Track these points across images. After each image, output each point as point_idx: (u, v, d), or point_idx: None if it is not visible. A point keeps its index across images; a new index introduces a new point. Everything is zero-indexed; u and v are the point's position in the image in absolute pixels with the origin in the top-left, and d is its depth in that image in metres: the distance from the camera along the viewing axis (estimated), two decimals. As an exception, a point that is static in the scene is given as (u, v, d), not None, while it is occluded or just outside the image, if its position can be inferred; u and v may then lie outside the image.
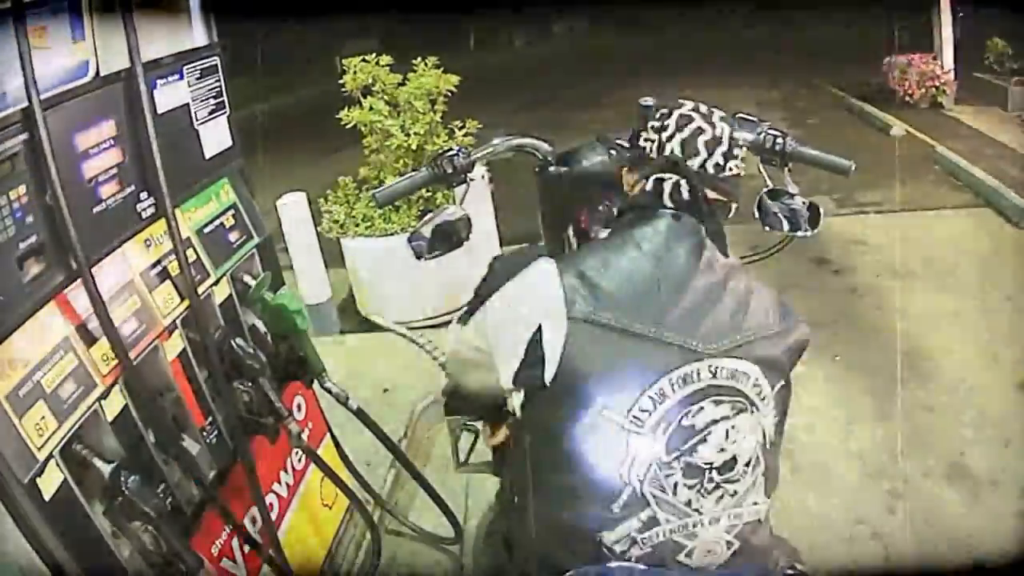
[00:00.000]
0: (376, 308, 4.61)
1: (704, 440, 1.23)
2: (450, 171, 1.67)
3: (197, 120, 1.98)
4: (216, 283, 1.96)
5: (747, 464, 1.27)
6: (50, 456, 1.45)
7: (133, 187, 1.75)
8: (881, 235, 5.38)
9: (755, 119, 1.74)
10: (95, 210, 1.65)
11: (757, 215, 1.70)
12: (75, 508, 1.50)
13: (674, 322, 1.24)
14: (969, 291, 4.46)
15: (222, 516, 1.89)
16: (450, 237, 1.65)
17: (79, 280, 1.55)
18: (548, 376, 1.23)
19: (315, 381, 2.24)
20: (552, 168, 1.79)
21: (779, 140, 1.69)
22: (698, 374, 1.24)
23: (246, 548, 1.98)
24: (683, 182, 1.34)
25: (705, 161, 1.35)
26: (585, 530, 1.24)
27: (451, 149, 1.69)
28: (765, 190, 1.71)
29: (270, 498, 2.13)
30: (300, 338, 2.13)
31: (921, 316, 4.24)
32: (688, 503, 1.24)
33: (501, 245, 4.67)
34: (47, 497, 1.43)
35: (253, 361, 1.92)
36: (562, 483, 1.26)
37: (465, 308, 1.44)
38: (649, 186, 1.37)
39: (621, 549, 1.23)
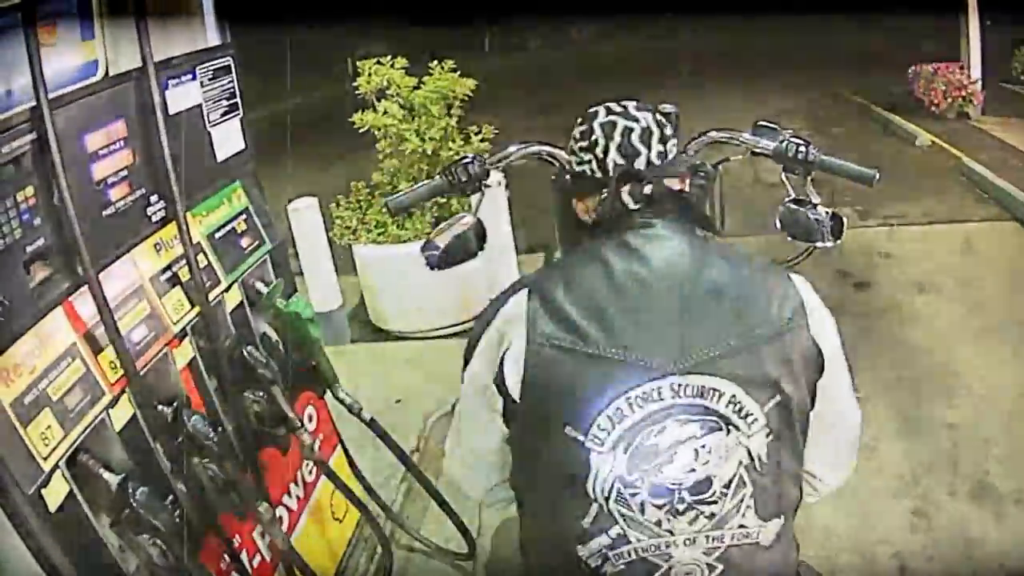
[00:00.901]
0: (388, 317, 4.56)
1: (670, 460, 1.20)
2: (464, 179, 1.66)
3: (209, 122, 1.94)
4: (227, 290, 1.92)
5: (726, 486, 1.21)
6: (56, 466, 1.40)
7: (143, 190, 1.71)
8: (905, 248, 5.29)
9: (777, 127, 1.70)
10: (104, 213, 1.61)
11: (779, 225, 1.65)
12: (81, 520, 1.46)
13: (637, 340, 1.21)
14: (995, 306, 4.37)
15: (230, 530, 1.84)
16: (464, 247, 1.63)
17: (87, 285, 1.51)
18: (515, 392, 1.25)
19: (327, 391, 2.19)
20: (568, 176, 1.76)
21: (802, 148, 1.65)
22: (659, 392, 1.20)
23: (256, 561, 1.94)
24: (641, 186, 1.30)
25: (648, 157, 1.32)
26: (562, 543, 1.25)
27: (466, 157, 1.68)
28: (787, 200, 1.66)
29: (280, 511, 2.08)
30: (313, 347, 2.09)
31: (946, 331, 4.16)
32: (658, 523, 1.21)
33: (517, 253, 4.62)
34: (52, 509, 1.39)
35: (265, 370, 1.88)
36: (539, 496, 1.30)
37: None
38: (608, 203, 1.32)
39: (594, 564, 1.24)
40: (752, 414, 1.21)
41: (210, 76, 1.92)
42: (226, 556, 1.81)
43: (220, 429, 1.78)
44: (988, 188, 6.08)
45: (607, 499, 1.21)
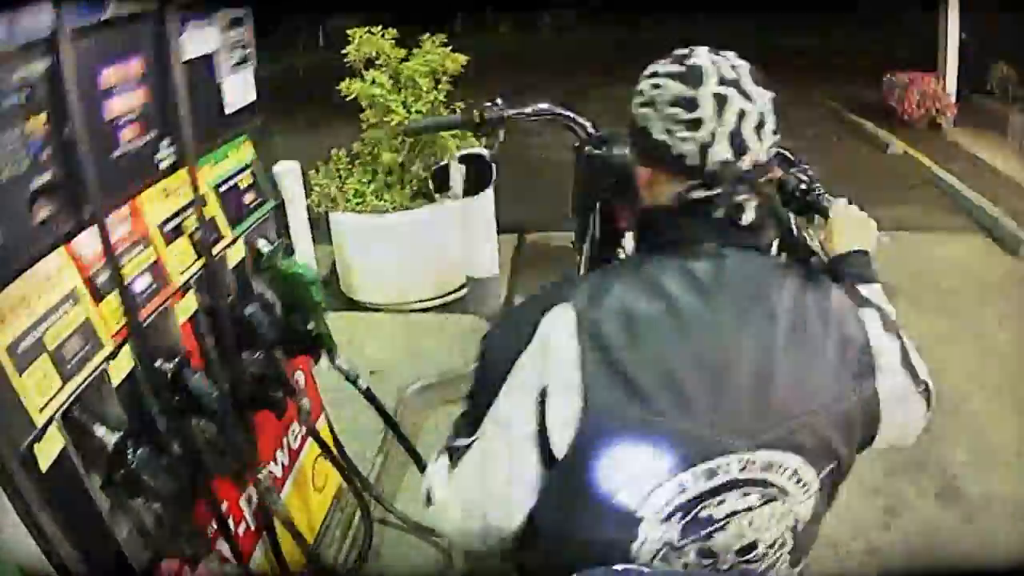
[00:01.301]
0: (361, 288, 4.48)
1: (723, 528, 1.13)
2: (478, 121, 1.83)
3: (221, 71, 1.85)
4: (231, 244, 1.84)
5: (770, 546, 1.17)
6: (50, 420, 1.31)
7: (154, 133, 1.61)
8: (875, 254, 5.32)
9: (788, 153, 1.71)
10: (114, 154, 1.51)
11: None
12: (74, 480, 1.36)
13: (711, 412, 1.08)
14: (963, 313, 4.43)
15: (220, 494, 1.77)
16: (477, 175, 1.75)
17: (91, 227, 1.42)
18: (559, 451, 1.10)
19: (324, 357, 2.13)
20: (587, 148, 1.82)
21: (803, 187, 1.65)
22: (725, 468, 1.09)
23: (241, 529, 1.87)
24: (737, 199, 1.12)
25: (757, 155, 1.11)
26: None
27: (487, 102, 1.83)
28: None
29: (266, 477, 2.00)
30: (315, 310, 2.01)
31: (914, 338, 4.19)
32: None
33: (499, 233, 4.55)
34: (44, 467, 1.29)
35: (267, 331, 1.80)
36: (568, 556, 1.14)
37: (454, 434, 1.25)
38: (690, 205, 1.13)
39: None
40: (808, 483, 1.15)
41: (226, 24, 1.82)
42: (213, 523, 1.74)
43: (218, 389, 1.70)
44: (958, 199, 6.16)
45: (651, 559, 1.13)
